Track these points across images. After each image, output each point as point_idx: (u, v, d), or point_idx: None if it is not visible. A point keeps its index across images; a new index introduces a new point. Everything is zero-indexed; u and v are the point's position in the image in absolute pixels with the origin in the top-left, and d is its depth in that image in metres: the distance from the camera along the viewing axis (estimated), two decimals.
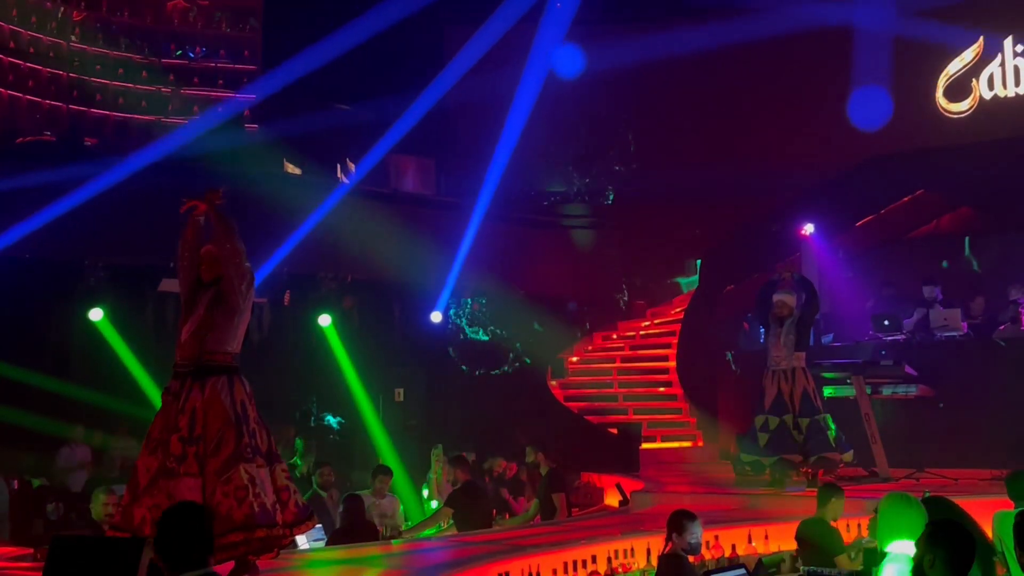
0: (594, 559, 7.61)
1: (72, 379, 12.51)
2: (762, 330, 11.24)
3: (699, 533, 6.92)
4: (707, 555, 7.79)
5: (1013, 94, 13.90)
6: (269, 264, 13.05)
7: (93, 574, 4.87)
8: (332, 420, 14.71)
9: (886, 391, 11.60)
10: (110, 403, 12.24)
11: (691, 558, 6.86)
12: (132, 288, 13.02)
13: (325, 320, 14.30)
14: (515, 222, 16.31)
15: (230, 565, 6.52)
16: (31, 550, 8.20)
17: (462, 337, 14.99)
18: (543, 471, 11.06)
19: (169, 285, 11.43)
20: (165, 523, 4.04)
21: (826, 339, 13.37)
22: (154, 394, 10.45)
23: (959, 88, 14.15)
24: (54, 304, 13.04)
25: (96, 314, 12.67)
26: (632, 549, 7.85)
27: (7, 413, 11.53)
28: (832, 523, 7.63)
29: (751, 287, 13.57)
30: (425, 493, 12.11)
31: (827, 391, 11.35)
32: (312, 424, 14.42)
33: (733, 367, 13.03)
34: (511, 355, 15.08)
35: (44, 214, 12.44)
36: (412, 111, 15.95)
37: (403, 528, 9.93)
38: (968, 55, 14.10)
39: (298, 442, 12.45)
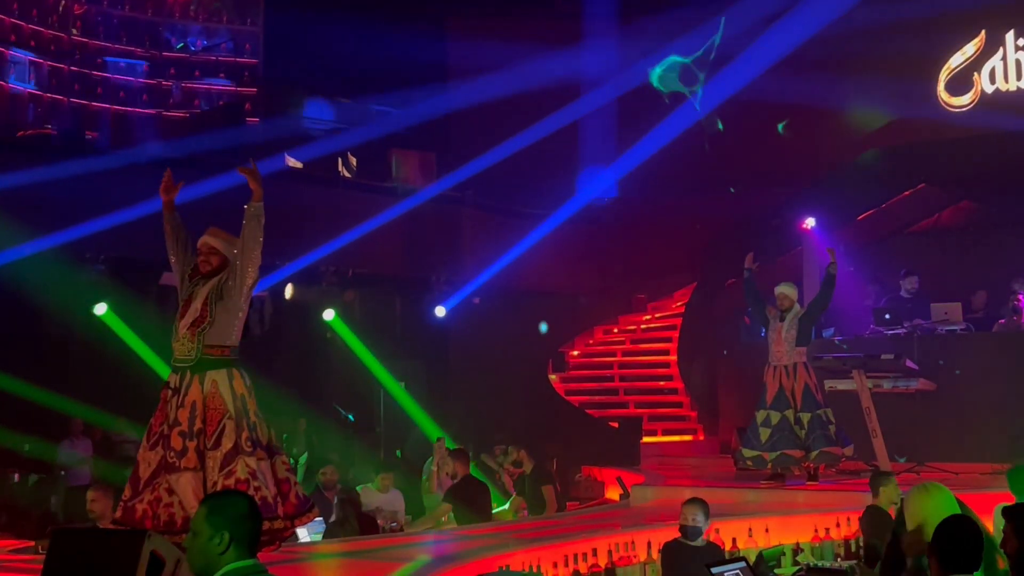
0: (595, 552, 7.61)
1: (73, 374, 12.50)
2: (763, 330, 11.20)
3: (690, 515, 7.06)
4: None
5: (1015, 88, 13.85)
6: (282, 269, 13.04)
7: (94, 567, 4.88)
8: (343, 413, 14.72)
9: (887, 385, 11.60)
10: (111, 397, 12.23)
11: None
12: (134, 282, 13.01)
13: (329, 314, 14.30)
14: (515, 216, 16.30)
15: None
16: (32, 542, 8.20)
17: None
18: (527, 468, 11.06)
19: (171, 278, 11.41)
20: (244, 505, 3.76)
21: (827, 333, 13.37)
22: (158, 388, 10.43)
23: (960, 82, 14.12)
24: (54, 298, 13.02)
25: (100, 309, 12.66)
26: (633, 542, 7.86)
27: (7, 408, 11.50)
28: (890, 508, 7.62)
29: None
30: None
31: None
32: (315, 418, 14.43)
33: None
34: None
35: (46, 208, 12.44)
36: (415, 105, 15.98)
37: (403, 523, 9.97)
38: (970, 49, 14.06)
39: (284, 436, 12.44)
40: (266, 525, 6.31)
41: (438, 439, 11.94)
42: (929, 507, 4.79)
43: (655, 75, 15.57)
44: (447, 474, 10.68)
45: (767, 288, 11.24)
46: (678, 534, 7.24)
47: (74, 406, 12.09)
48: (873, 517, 7.48)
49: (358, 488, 9.92)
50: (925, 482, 5.14)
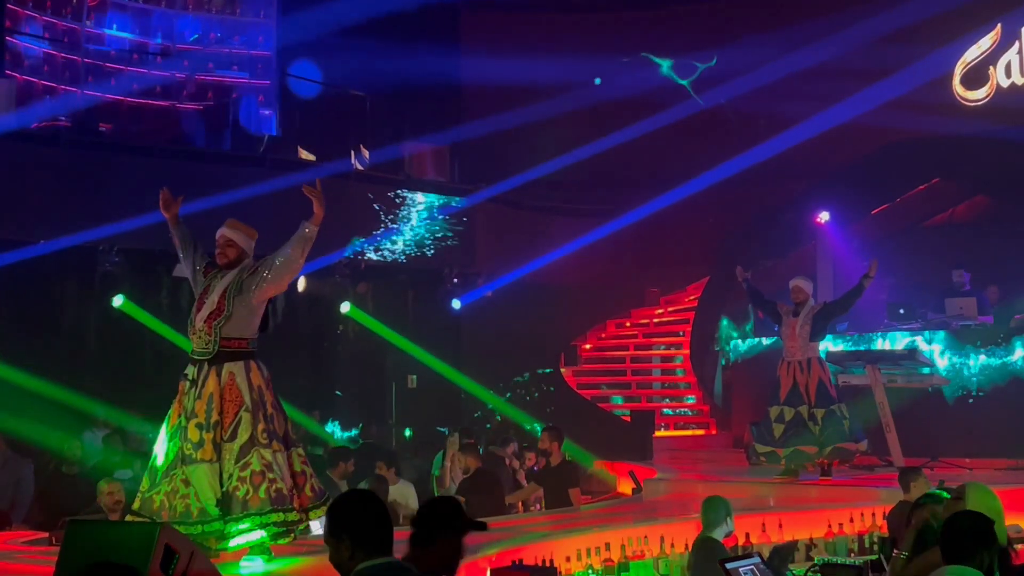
0: (608, 546, 7.58)
1: (90, 366, 12.51)
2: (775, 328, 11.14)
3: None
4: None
5: None
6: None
7: (108, 559, 4.88)
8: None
9: (901, 380, 11.54)
10: (127, 388, 12.22)
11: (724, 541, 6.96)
12: (147, 273, 13.02)
13: (345, 307, 14.29)
14: (529, 208, 16.26)
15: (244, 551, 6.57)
16: (46, 534, 8.17)
17: None
18: (554, 462, 10.94)
19: (183, 270, 11.43)
20: (360, 505, 3.74)
21: (841, 327, 13.30)
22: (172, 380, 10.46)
23: (976, 76, 14.06)
24: (69, 290, 13.04)
25: (117, 301, 12.68)
26: (646, 537, 7.81)
27: (28, 399, 11.50)
28: None
29: (766, 275, 13.50)
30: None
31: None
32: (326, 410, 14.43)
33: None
34: None
35: (61, 200, 12.41)
36: (427, 96, 15.95)
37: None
38: (985, 42, 13.99)
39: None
40: (280, 517, 6.43)
41: (452, 433, 11.87)
42: (990, 504, 4.92)
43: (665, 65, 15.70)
44: (460, 468, 10.63)
45: (782, 281, 11.18)
46: (692, 529, 7.20)
47: (87, 400, 12.08)
48: (902, 511, 7.45)
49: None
50: (978, 482, 5.32)
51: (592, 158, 15.55)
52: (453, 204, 15.38)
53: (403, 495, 9.95)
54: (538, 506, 10.75)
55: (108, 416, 12.12)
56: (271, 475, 6.43)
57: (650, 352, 16.32)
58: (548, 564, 7.12)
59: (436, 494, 10.98)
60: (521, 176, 15.13)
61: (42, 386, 11.64)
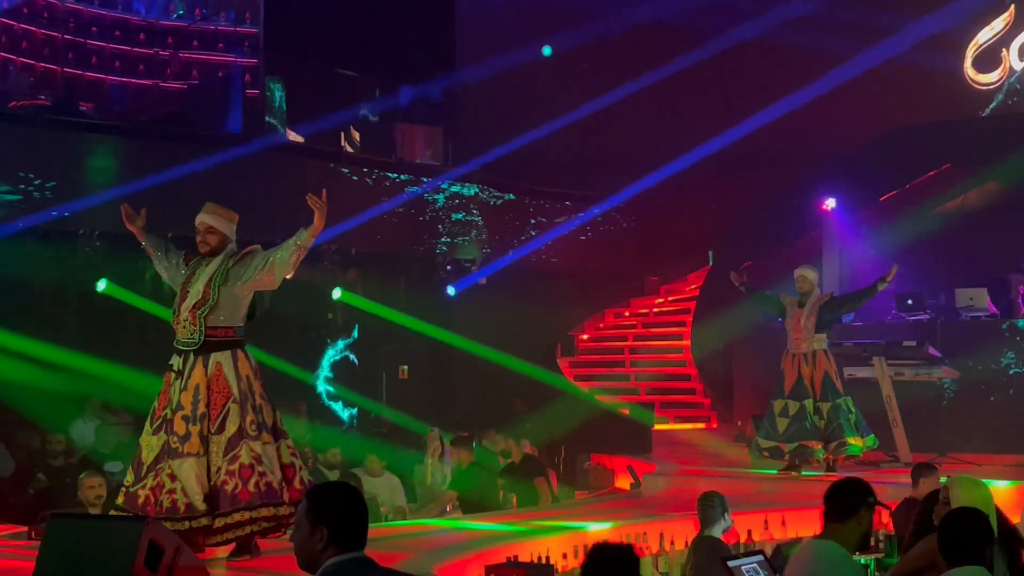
0: (606, 544, 7.34)
1: (71, 353, 12.27)
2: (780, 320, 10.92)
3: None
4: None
5: None
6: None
7: (91, 554, 4.79)
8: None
9: (909, 373, 11.32)
10: (110, 376, 11.95)
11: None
12: (129, 258, 12.77)
13: (336, 293, 14.08)
14: (523, 194, 16.02)
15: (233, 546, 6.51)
16: (25, 527, 7.94)
17: None
18: (516, 459, 10.85)
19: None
20: (343, 499, 3.53)
21: (847, 318, 13.06)
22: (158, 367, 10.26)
23: (988, 58, 13.85)
24: (50, 275, 12.80)
25: (100, 286, 12.45)
26: (645, 533, 7.75)
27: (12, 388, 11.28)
28: None
29: (770, 263, 13.24)
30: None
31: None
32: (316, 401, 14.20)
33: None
34: None
35: (41, 181, 12.09)
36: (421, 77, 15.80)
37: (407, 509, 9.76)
38: (998, 24, 13.78)
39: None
40: (271, 511, 6.40)
41: (432, 429, 11.66)
42: (978, 496, 4.81)
43: None
44: (452, 462, 10.45)
45: (786, 270, 10.98)
46: (691, 525, 7.04)
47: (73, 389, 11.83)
48: (910, 510, 7.22)
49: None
50: (972, 476, 5.23)
51: (588, 138, 15.35)
52: (446, 188, 15.15)
53: (388, 488, 9.77)
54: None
55: (94, 407, 11.87)
56: (260, 468, 6.38)
57: (650, 343, 16.05)
58: (544, 561, 7.06)
59: (417, 491, 10.80)
60: (511, 144, 14.84)
61: (26, 373, 11.42)
